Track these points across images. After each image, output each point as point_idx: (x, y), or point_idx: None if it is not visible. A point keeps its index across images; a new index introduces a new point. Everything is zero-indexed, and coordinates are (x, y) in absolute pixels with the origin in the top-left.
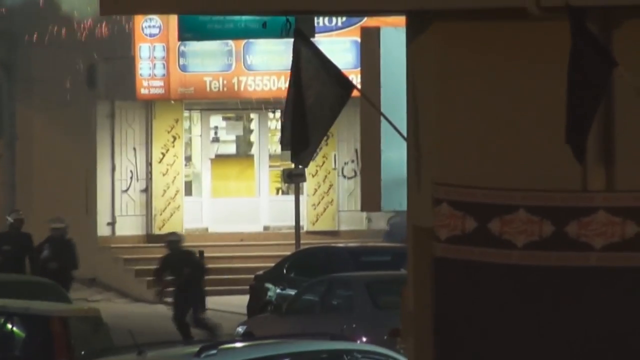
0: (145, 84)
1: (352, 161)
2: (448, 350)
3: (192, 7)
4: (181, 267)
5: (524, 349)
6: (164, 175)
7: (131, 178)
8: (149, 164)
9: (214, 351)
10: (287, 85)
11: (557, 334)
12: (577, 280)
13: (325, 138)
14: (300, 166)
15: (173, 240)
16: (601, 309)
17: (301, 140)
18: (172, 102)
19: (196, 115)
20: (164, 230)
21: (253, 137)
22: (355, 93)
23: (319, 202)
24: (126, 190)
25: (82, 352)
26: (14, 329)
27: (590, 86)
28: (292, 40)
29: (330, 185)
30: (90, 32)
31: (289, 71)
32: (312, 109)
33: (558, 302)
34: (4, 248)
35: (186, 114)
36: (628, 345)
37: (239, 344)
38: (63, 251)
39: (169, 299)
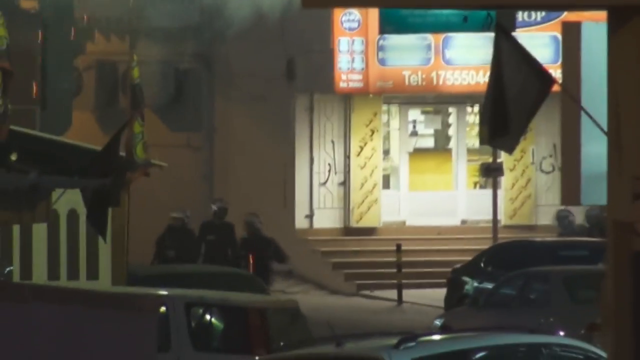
0: (344, 77)
1: (551, 156)
2: None
3: (394, 1)
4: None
5: None
6: (362, 168)
7: (329, 171)
8: (347, 157)
9: (413, 343)
10: (486, 79)
11: None
12: None
13: (524, 132)
14: (502, 151)
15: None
16: None
17: (502, 128)
18: (371, 95)
19: (395, 109)
20: (362, 224)
21: (451, 131)
22: (555, 88)
23: (517, 197)
24: (324, 183)
25: (281, 344)
26: (212, 319)
27: None
28: (491, 34)
29: (529, 180)
30: (289, 25)
31: (488, 65)
32: (513, 100)
33: None
34: (208, 238)
35: (384, 107)
36: None
37: (436, 337)
38: (183, 240)
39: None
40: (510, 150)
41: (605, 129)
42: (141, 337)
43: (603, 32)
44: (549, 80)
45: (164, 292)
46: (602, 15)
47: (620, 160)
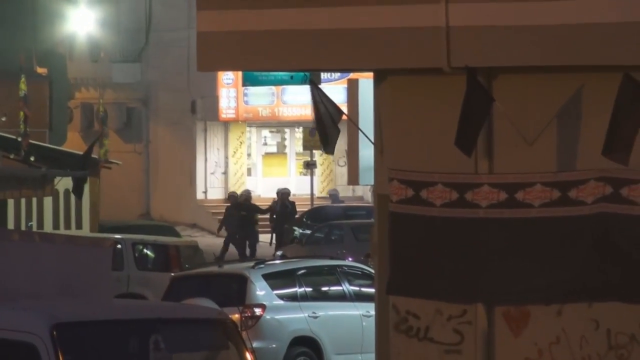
0: (224, 112)
1: (343, 156)
2: (397, 264)
3: (251, 66)
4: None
5: (441, 262)
6: (235, 164)
7: (216, 166)
8: (226, 157)
9: (263, 265)
10: (304, 112)
11: (455, 254)
12: (471, 226)
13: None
14: (326, 153)
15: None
16: (483, 241)
17: (325, 141)
18: (240, 122)
19: (254, 129)
20: None
21: (286, 143)
22: (344, 117)
23: (324, 180)
24: (213, 173)
25: (187, 265)
26: (148, 252)
27: (475, 114)
28: (308, 86)
29: (331, 170)
30: (192, 80)
31: (308, 104)
32: (326, 125)
33: (458, 236)
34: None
35: (248, 129)
36: (506, 265)
37: (277, 261)
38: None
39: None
40: (332, 152)
41: (373, 141)
42: (103, 262)
43: (371, 84)
44: (340, 112)
45: (119, 236)
46: (370, 74)
47: (381, 158)
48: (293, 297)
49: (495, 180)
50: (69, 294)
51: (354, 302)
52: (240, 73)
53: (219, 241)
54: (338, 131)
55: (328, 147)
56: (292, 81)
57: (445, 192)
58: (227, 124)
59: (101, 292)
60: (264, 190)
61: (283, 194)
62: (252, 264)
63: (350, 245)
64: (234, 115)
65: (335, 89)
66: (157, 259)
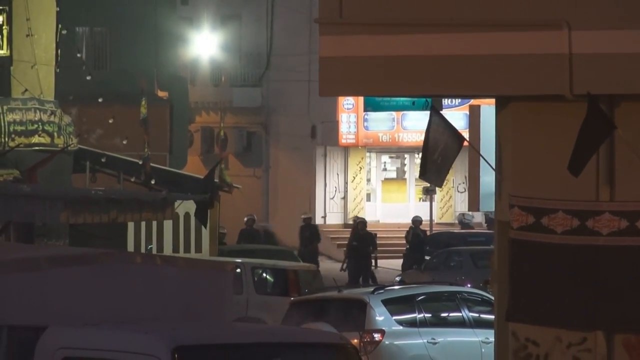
0: (344, 137)
1: (463, 182)
2: (517, 291)
3: (372, 91)
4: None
5: (561, 289)
6: (354, 189)
7: (335, 191)
8: (345, 183)
9: (382, 290)
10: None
11: (576, 281)
12: (591, 253)
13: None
14: (433, 185)
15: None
16: (604, 268)
17: (433, 170)
18: (359, 147)
19: (373, 155)
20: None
21: (406, 168)
22: (465, 143)
23: (444, 206)
24: (332, 198)
25: (306, 290)
26: (267, 276)
27: (592, 140)
28: (428, 112)
29: (450, 196)
30: (312, 105)
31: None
32: (441, 152)
33: (578, 263)
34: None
35: (367, 154)
36: (623, 295)
37: (396, 287)
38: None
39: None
40: (440, 184)
41: (494, 167)
42: (224, 286)
43: (493, 110)
44: (461, 139)
45: (238, 260)
46: (492, 101)
47: (502, 185)
48: (412, 323)
49: (616, 208)
50: (189, 317)
51: (473, 328)
52: (360, 98)
53: (338, 266)
54: (450, 161)
55: (432, 178)
56: (413, 107)
57: (566, 219)
58: (347, 149)
59: (221, 316)
60: (383, 216)
61: (415, 221)
62: (371, 289)
63: (469, 272)
64: (354, 141)
65: (456, 115)
66: (276, 283)
